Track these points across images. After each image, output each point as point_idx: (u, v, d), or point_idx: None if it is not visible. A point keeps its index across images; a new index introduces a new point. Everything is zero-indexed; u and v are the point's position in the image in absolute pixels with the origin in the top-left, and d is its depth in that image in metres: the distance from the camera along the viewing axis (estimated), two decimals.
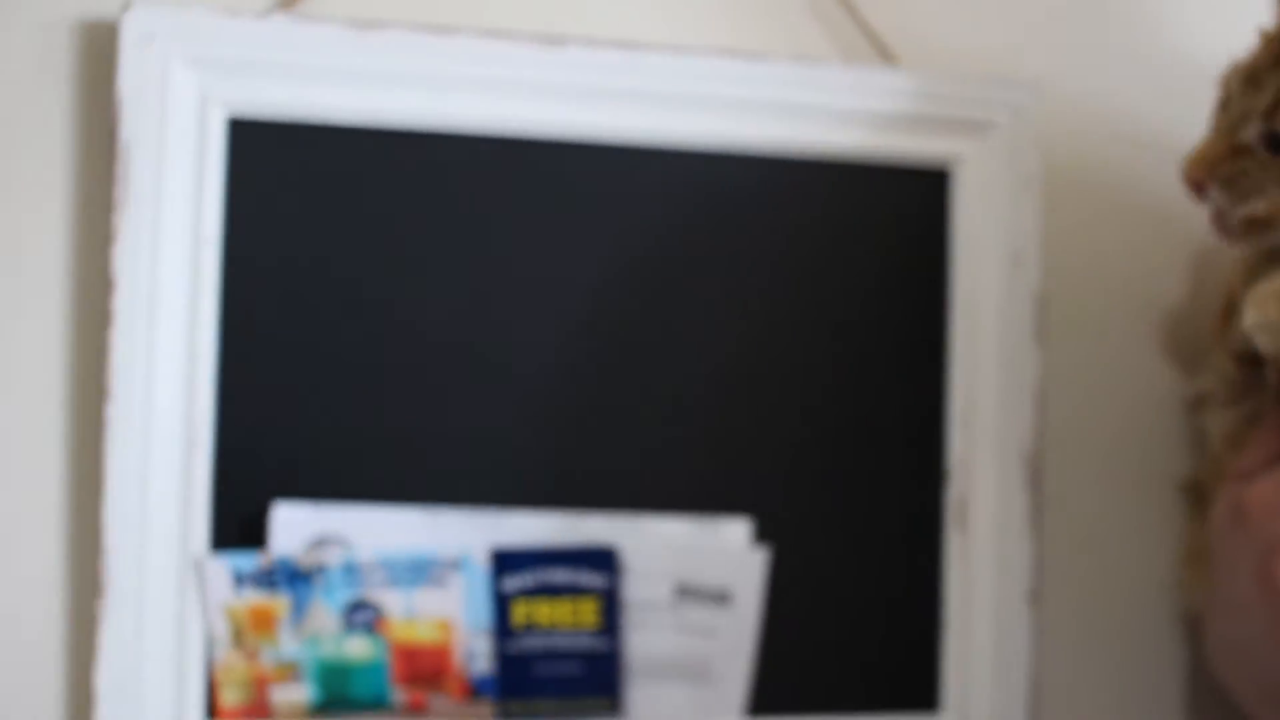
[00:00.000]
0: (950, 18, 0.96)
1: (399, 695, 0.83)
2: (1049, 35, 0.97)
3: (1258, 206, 0.76)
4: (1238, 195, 0.76)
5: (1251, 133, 0.77)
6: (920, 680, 0.92)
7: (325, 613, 0.82)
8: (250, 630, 0.82)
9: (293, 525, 0.82)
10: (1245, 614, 0.76)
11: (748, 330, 0.90)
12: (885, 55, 0.93)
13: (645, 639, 0.87)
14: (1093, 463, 0.97)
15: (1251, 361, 0.82)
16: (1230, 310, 0.81)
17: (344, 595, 0.83)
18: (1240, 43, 0.82)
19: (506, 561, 0.84)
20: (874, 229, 0.92)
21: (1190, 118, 0.85)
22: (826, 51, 0.93)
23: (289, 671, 0.82)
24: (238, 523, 0.82)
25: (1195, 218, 0.88)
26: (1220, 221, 0.78)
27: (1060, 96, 0.95)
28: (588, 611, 0.85)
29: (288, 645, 0.82)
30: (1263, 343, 0.74)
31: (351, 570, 0.82)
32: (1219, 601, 0.80)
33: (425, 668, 0.83)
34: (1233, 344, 0.84)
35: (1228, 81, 0.80)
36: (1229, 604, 0.78)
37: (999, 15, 0.96)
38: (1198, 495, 0.91)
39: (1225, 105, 0.80)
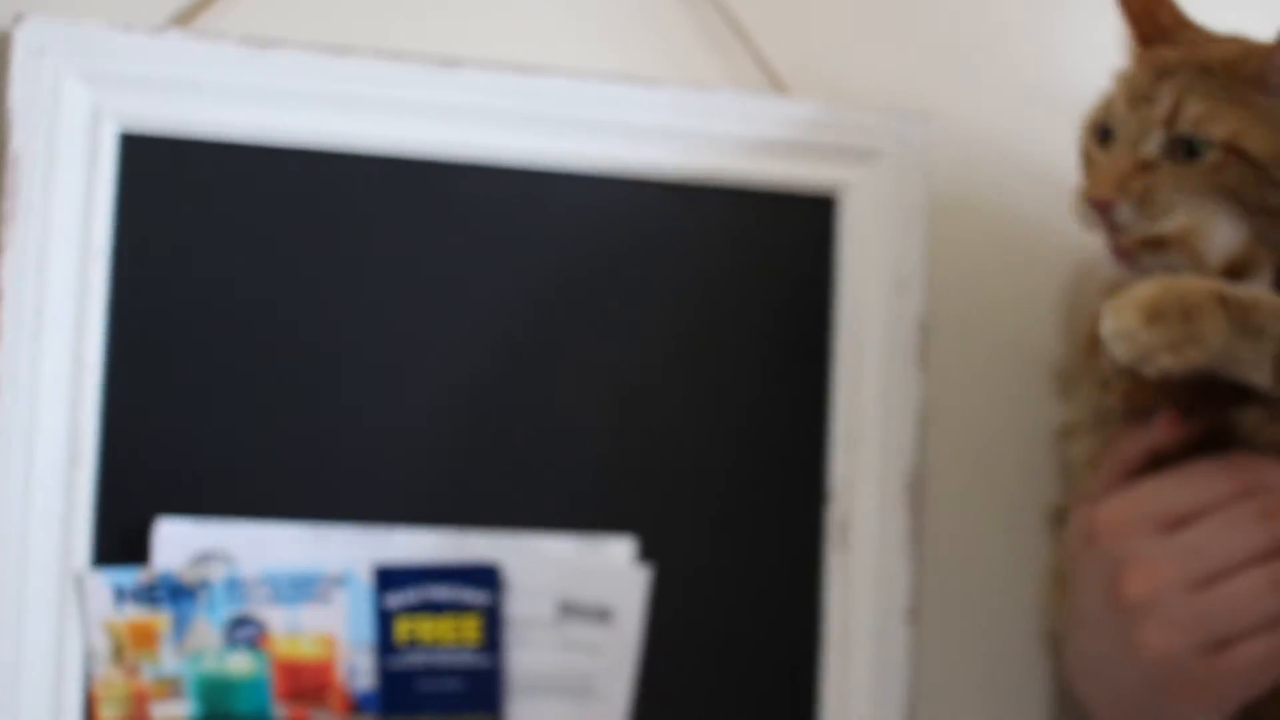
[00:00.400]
0: (841, 48, 0.97)
1: (281, 711, 0.84)
2: (937, 67, 0.99)
3: (1169, 224, 0.78)
4: (1149, 213, 0.78)
5: (1153, 144, 0.79)
6: (800, 699, 0.93)
7: (207, 628, 0.83)
8: (131, 646, 0.82)
9: (176, 541, 0.83)
10: (1097, 630, 0.79)
11: (634, 352, 0.91)
12: (776, 84, 0.95)
13: (527, 656, 0.88)
14: (971, 485, 0.99)
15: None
16: (1096, 339, 0.83)
17: (226, 611, 0.83)
18: None
19: (390, 578, 0.85)
20: (762, 254, 0.93)
21: (1074, 150, 0.87)
22: (719, 79, 0.95)
23: (169, 688, 0.82)
24: (120, 538, 0.83)
25: (1076, 249, 0.91)
26: (1119, 244, 0.80)
27: (947, 127, 0.97)
28: (470, 628, 0.86)
29: (169, 661, 0.82)
30: (1119, 351, 0.74)
31: (234, 586, 0.83)
32: (1074, 618, 0.83)
33: (308, 684, 0.84)
34: (1097, 371, 0.87)
35: (1085, 132, 0.85)
36: (1083, 621, 0.81)
37: (888, 47, 0.98)
38: (1063, 521, 0.94)
39: (1088, 157, 0.84)
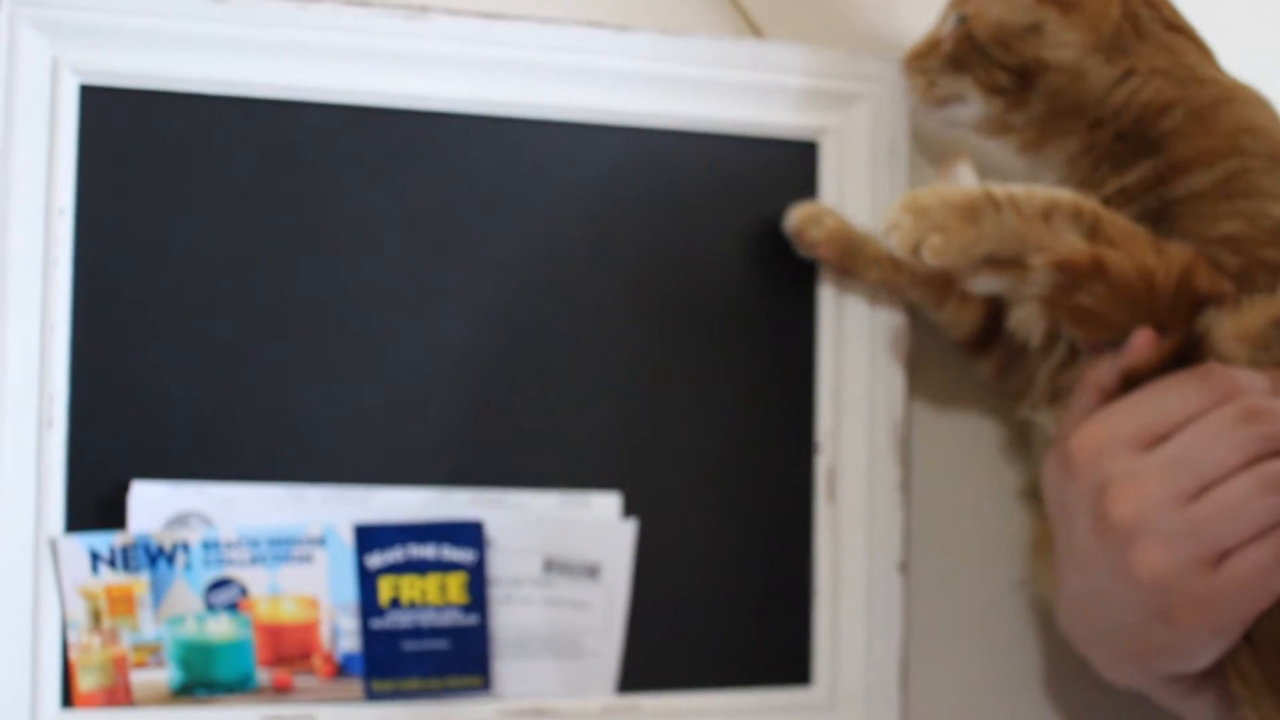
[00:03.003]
0: None
1: (264, 675, 0.82)
2: (914, 9, 0.97)
3: (938, 91, 0.89)
4: (923, 81, 0.90)
5: (947, 24, 0.89)
6: (792, 652, 0.92)
7: (186, 592, 0.81)
8: (109, 612, 0.80)
9: (152, 504, 0.80)
10: (1088, 564, 0.77)
11: (616, 302, 0.89)
12: (752, 29, 0.93)
13: (514, 614, 0.86)
14: (959, 433, 0.97)
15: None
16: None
17: (205, 574, 0.81)
18: None
19: (371, 537, 0.83)
20: (743, 200, 0.92)
21: None
22: (694, 25, 0.93)
23: (150, 654, 0.80)
24: (95, 503, 0.80)
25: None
26: (923, 98, 0.91)
27: None
28: (455, 587, 0.84)
29: (148, 627, 0.80)
30: (893, 243, 0.79)
31: (212, 548, 0.81)
32: (1063, 559, 0.80)
33: (290, 646, 0.82)
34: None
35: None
36: (1072, 559, 0.79)
37: None
38: (1035, 494, 0.92)
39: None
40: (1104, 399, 0.79)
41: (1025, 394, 0.90)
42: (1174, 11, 0.89)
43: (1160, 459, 0.74)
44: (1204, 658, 0.75)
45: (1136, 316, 0.78)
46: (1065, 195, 0.80)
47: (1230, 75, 0.88)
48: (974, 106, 0.89)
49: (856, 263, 0.91)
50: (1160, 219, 0.82)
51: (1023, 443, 0.97)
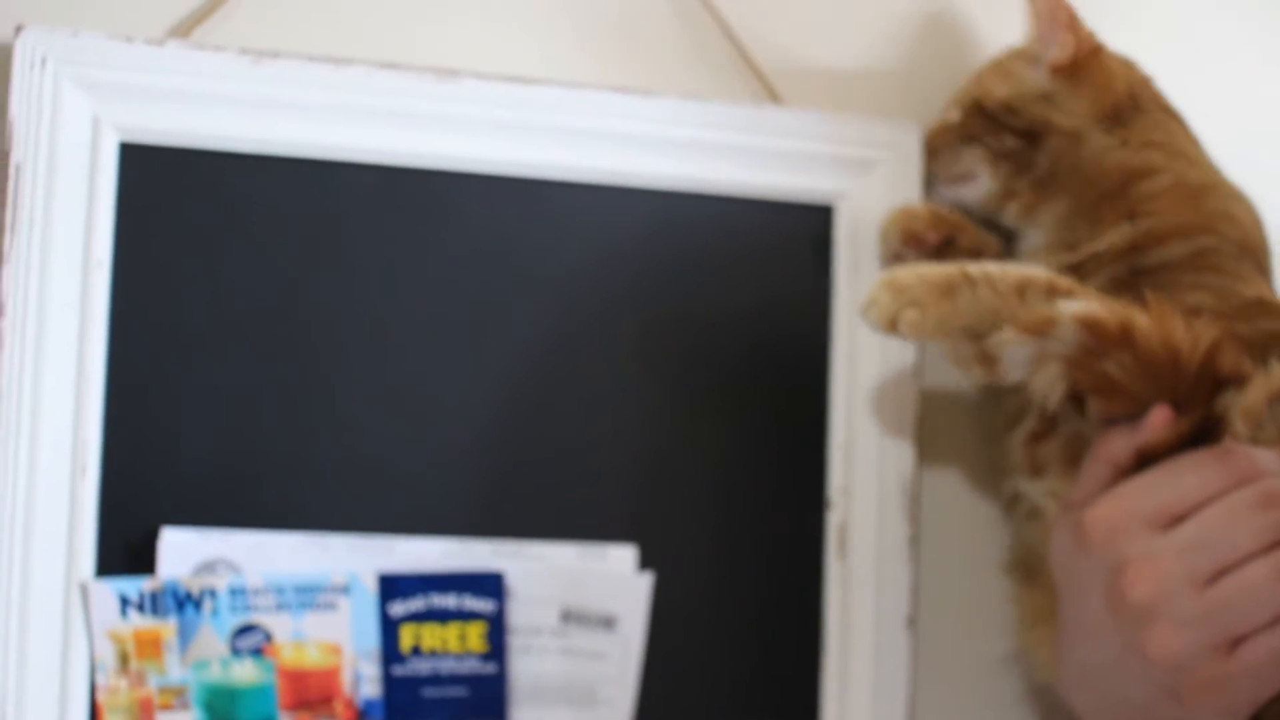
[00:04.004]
0: (834, 59, 0.98)
1: (287, 719, 0.83)
2: (929, 76, 1.00)
3: (950, 169, 0.95)
4: (938, 161, 0.95)
5: (956, 112, 0.95)
6: (800, 704, 0.94)
7: (212, 637, 0.82)
8: (136, 655, 0.81)
9: (180, 550, 0.82)
10: (1098, 637, 0.77)
11: (633, 359, 0.91)
12: (771, 95, 0.96)
13: (532, 663, 0.88)
14: (968, 491, 0.99)
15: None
16: None
17: (231, 619, 0.83)
18: None
19: (395, 586, 0.85)
20: (758, 262, 0.94)
21: None
22: (714, 90, 0.95)
23: (175, 696, 0.82)
24: (125, 548, 0.82)
25: None
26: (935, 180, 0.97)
27: None
28: (475, 636, 0.86)
29: (174, 670, 0.82)
30: (871, 318, 0.83)
31: (239, 594, 0.83)
32: (1070, 628, 0.80)
33: (313, 691, 0.84)
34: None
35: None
36: (1080, 629, 0.79)
37: (881, 57, 0.99)
38: (1024, 566, 0.94)
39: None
40: (1117, 474, 0.79)
41: (1007, 456, 0.92)
42: (1168, 103, 0.93)
43: (1178, 540, 0.74)
44: None
45: (1159, 391, 0.78)
46: (1039, 272, 0.82)
47: (1217, 167, 0.91)
48: (982, 182, 0.94)
49: (949, 229, 0.94)
50: (1127, 288, 0.83)
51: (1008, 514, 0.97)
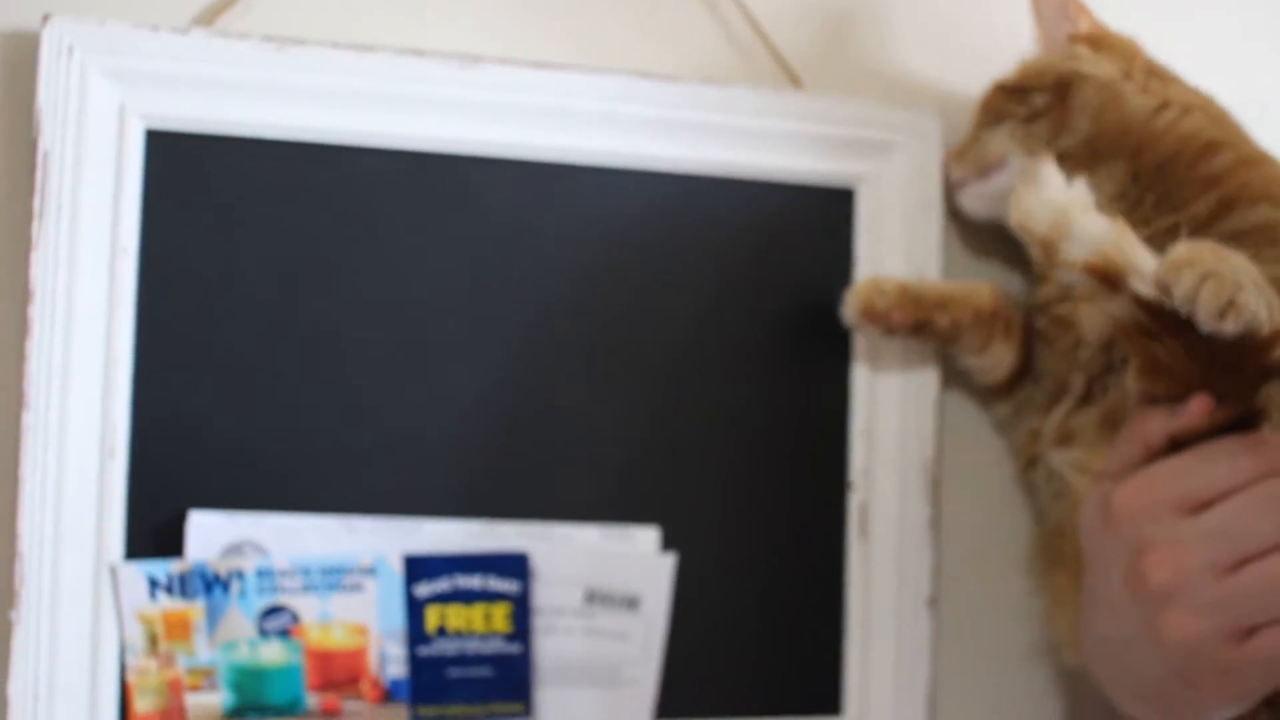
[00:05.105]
0: (855, 45, 0.99)
1: (313, 700, 0.84)
2: (949, 62, 1.00)
3: (980, 157, 0.94)
4: (963, 161, 0.95)
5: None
6: (823, 684, 0.94)
7: (240, 619, 0.83)
8: (165, 637, 0.82)
9: (208, 533, 0.83)
10: (1118, 614, 0.77)
11: (656, 342, 0.92)
12: (793, 79, 0.96)
13: (556, 644, 0.88)
14: (988, 473, 1.00)
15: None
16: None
17: (259, 601, 0.84)
18: None
19: (420, 567, 0.86)
20: (781, 246, 0.94)
21: None
22: (737, 75, 0.96)
23: (204, 677, 0.83)
24: (153, 531, 0.83)
25: None
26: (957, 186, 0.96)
27: (960, 120, 0.98)
28: (500, 617, 0.87)
29: (202, 651, 0.83)
30: (1027, 229, 0.76)
31: (266, 576, 0.84)
32: (1091, 600, 0.81)
33: (339, 672, 0.85)
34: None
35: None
36: (1102, 603, 0.79)
37: (902, 42, 1.00)
38: (1050, 547, 0.94)
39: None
40: (1149, 455, 0.78)
41: (1035, 437, 0.92)
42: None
43: (1202, 527, 0.74)
44: (1220, 717, 0.76)
45: (1204, 381, 0.76)
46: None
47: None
48: (1013, 167, 0.92)
49: (923, 311, 0.92)
50: None
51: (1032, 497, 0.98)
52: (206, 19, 0.87)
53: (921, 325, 0.93)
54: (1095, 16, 0.94)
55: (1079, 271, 0.74)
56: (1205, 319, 0.70)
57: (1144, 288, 0.72)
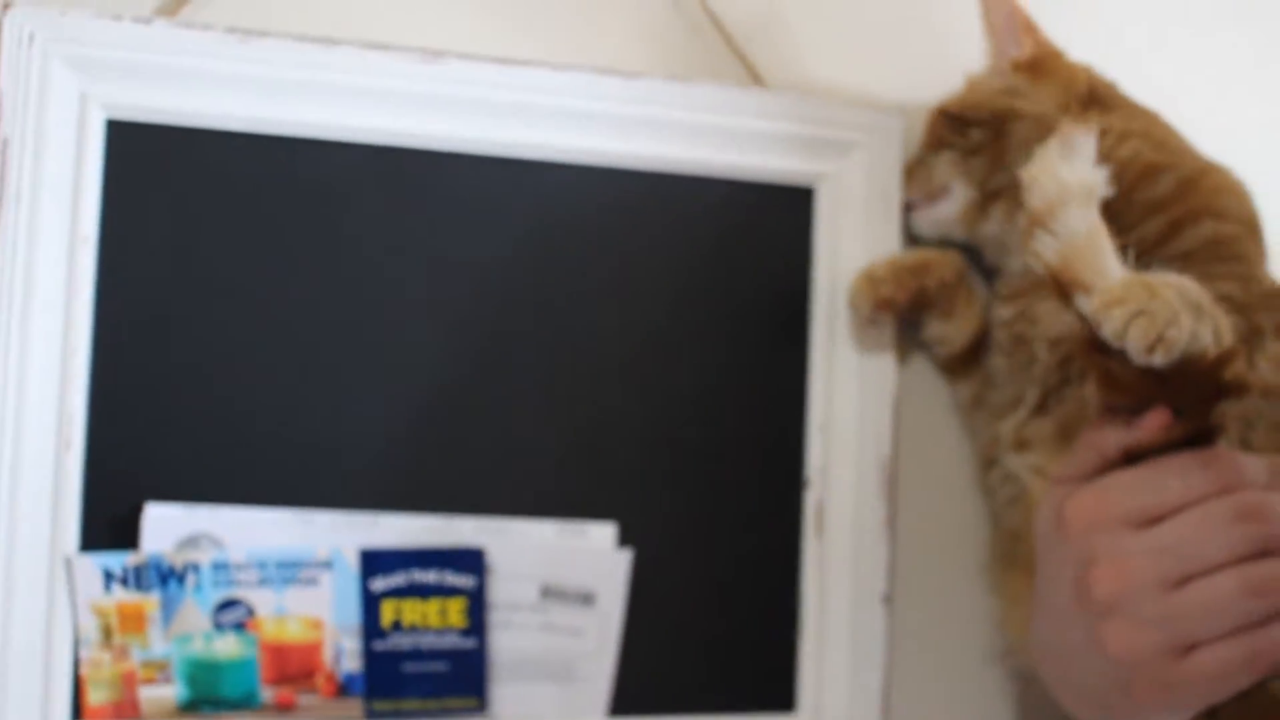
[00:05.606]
0: (818, 44, 0.99)
1: (268, 693, 0.85)
2: (911, 62, 1.01)
3: (925, 182, 0.95)
4: (912, 183, 0.96)
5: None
6: (777, 681, 0.95)
7: (195, 612, 0.83)
8: (119, 629, 0.82)
9: (164, 525, 0.83)
10: (1065, 621, 0.78)
11: (615, 339, 0.92)
12: (755, 78, 0.96)
13: (511, 639, 0.89)
14: (945, 471, 1.00)
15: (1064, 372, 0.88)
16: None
17: (214, 594, 0.84)
18: None
19: (376, 562, 0.86)
20: (740, 243, 0.95)
21: None
22: (700, 73, 0.96)
23: (158, 670, 0.83)
24: (109, 522, 0.83)
25: None
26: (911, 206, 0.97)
27: (920, 120, 0.98)
28: (455, 612, 0.87)
29: (157, 644, 0.83)
30: (1028, 193, 0.75)
31: (222, 569, 0.84)
32: (1042, 605, 0.82)
33: (295, 666, 0.85)
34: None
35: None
36: (1051, 609, 0.80)
37: (864, 42, 1.00)
38: (1006, 551, 0.95)
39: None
40: (1104, 465, 0.78)
41: (995, 440, 0.93)
42: (1136, 101, 0.94)
43: (1150, 542, 0.75)
44: None
45: (1160, 394, 0.76)
46: None
47: (1198, 151, 0.92)
48: (956, 194, 0.95)
49: (917, 279, 0.94)
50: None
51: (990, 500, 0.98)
52: (169, 9, 0.87)
53: (918, 294, 0.94)
54: (1041, 34, 0.94)
55: (1042, 268, 0.75)
56: (1135, 355, 0.71)
57: (1087, 310, 0.73)
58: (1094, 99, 0.92)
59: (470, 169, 0.90)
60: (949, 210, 0.95)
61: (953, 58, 0.98)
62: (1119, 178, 0.85)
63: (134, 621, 0.83)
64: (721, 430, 0.94)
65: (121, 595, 0.82)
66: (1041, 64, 0.93)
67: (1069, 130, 0.76)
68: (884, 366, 0.97)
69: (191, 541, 0.84)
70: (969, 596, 1.00)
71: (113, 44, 0.83)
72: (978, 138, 0.93)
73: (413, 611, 0.86)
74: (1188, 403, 0.76)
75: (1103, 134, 0.89)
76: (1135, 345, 0.70)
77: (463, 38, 0.91)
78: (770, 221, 0.95)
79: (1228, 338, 0.73)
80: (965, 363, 0.97)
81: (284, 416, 0.86)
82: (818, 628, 0.95)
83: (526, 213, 0.91)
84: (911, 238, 0.98)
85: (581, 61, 0.92)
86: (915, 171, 0.97)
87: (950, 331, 0.96)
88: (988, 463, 0.96)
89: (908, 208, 0.97)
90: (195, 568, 0.83)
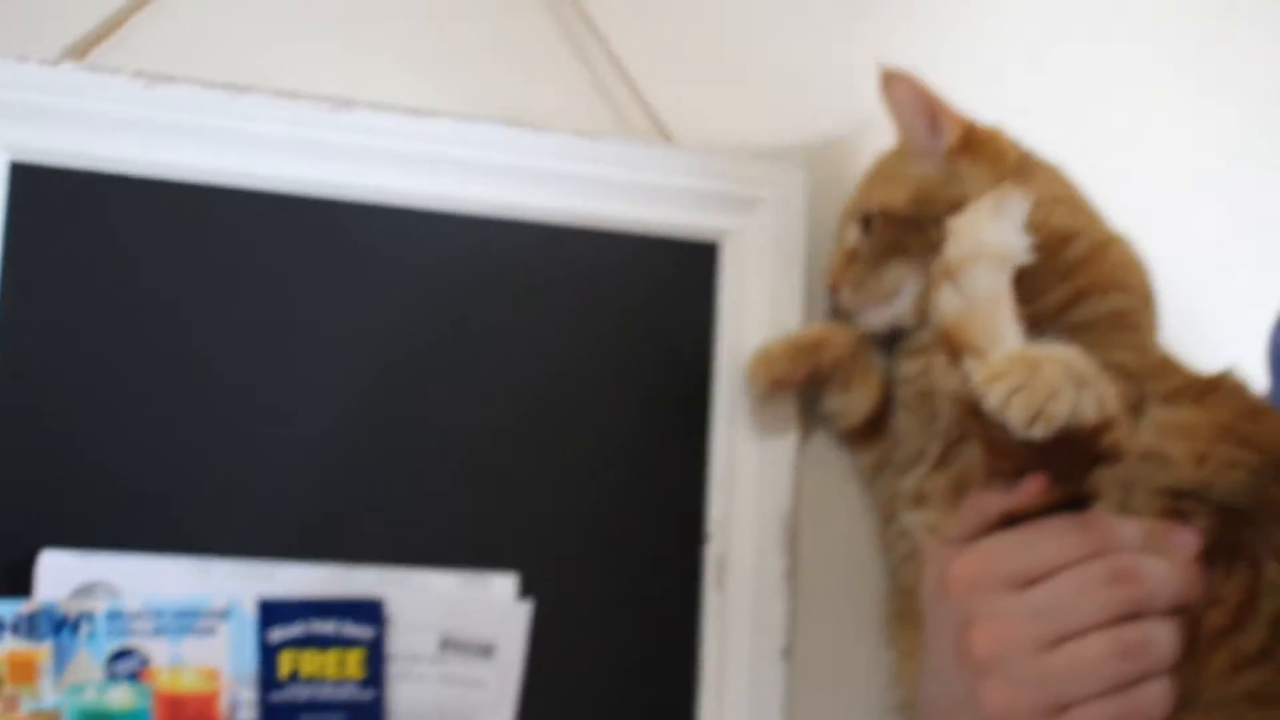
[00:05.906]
0: (725, 99, 1.00)
1: None
2: (818, 118, 1.02)
3: (872, 293, 0.94)
4: (860, 291, 0.94)
5: (851, 234, 0.95)
6: None
7: (89, 661, 0.82)
8: (9, 679, 0.81)
9: (60, 572, 0.82)
10: (946, 677, 0.80)
11: (519, 391, 0.92)
12: (662, 133, 0.97)
13: (410, 690, 0.88)
14: (848, 526, 1.01)
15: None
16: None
17: (109, 643, 0.83)
18: None
19: (274, 612, 0.85)
20: (645, 298, 0.95)
21: None
22: (607, 127, 0.97)
23: None
24: (3, 570, 0.82)
25: None
26: (855, 309, 0.96)
27: (827, 177, 1.00)
28: (353, 663, 0.87)
29: (48, 694, 0.82)
30: (950, 241, 0.78)
31: (117, 618, 0.83)
32: (927, 660, 0.83)
33: (189, 717, 0.84)
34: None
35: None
36: (934, 665, 0.82)
37: (771, 99, 1.01)
38: (901, 607, 0.96)
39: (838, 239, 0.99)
40: (986, 527, 0.80)
41: (894, 498, 0.94)
42: (1045, 159, 0.95)
43: (1027, 604, 0.77)
44: None
45: (1039, 459, 0.77)
46: None
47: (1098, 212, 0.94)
48: (906, 293, 0.93)
49: (812, 356, 0.95)
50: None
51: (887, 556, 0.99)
52: (79, 52, 0.86)
53: (813, 372, 0.95)
54: (955, 111, 0.95)
55: (938, 328, 0.76)
56: (1015, 429, 0.72)
57: (972, 380, 0.74)
58: (1021, 169, 0.93)
59: (377, 218, 0.90)
60: (902, 307, 0.94)
61: (863, 110, 1.00)
62: (1042, 246, 0.86)
63: (24, 671, 0.81)
64: (624, 483, 0.95)
65: (13, 644, 0.81)
66: (974, 144, 0.93)
67: (1007, 192, 0.78)
68: (785, 421, 0.97)
69: (87, 590, 0.83)
70: (868, 651, 1.00)
71: (18, 85, 0.83)
72: (935, 236, 0.86)
73: (311, 662, 0.86)
74: (1066, 469, 0.77)
75: (1036, 205, 0.88)
76: (1015, 420, 0.72)
77: (373, 87, 0.91)
78: (675, 277, 0.96)
79: (1111, 405, 0.74)
80: (865, 434, 0.98)
81: (183, 464, 0.86)
82: (717, 680, 0.95)
83: (431, 263, 0.91)
84: (815, 297, 0.99)
85: (491, 113, 0.92)
86: (865, 281, 0.94)
87: (848, 404, 0.97)
88: (887, 518, 0.97)
89: (847, 306, 0.96)
90: (90, 616, 0.82)
